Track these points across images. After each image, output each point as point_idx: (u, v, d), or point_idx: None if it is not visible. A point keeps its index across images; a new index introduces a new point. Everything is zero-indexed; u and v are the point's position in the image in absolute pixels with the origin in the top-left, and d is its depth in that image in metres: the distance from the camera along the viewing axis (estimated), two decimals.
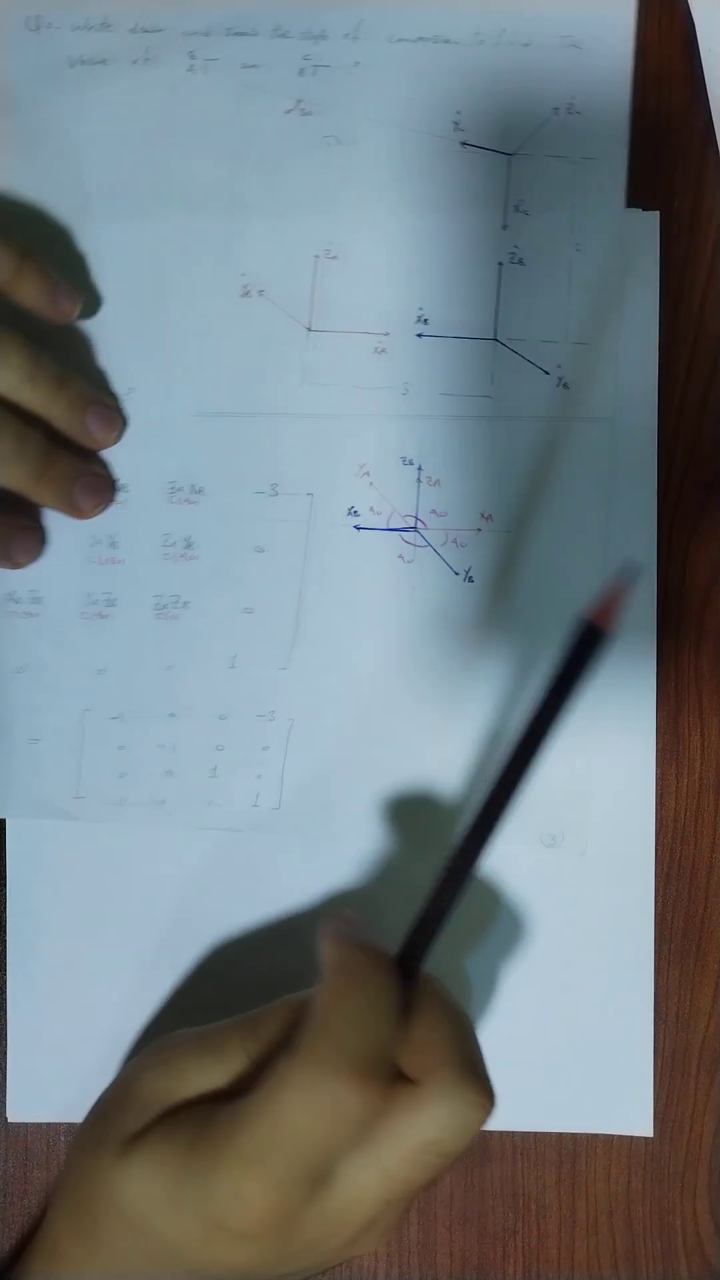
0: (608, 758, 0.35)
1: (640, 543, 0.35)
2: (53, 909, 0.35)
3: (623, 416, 0.35)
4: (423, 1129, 0.26)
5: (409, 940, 0.29)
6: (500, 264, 0.35)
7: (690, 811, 0.35)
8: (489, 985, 0.35)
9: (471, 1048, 0.28)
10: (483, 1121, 0.27)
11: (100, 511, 0.35)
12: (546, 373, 0.35)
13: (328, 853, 0.35)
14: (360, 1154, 0.26)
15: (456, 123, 0.35)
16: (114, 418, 0.34)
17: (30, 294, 0.32)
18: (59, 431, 0.33)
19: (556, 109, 0.35)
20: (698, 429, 0.35)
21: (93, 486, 0.34)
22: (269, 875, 0.35)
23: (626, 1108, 0.35)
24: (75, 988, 0.35)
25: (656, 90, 0.36)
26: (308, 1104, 0.26)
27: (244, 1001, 0.30)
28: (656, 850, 0.35)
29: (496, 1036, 0.35)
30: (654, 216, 0.35)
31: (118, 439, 0.35)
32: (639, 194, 0.36)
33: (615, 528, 0.35)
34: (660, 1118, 0.35)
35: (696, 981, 0.35)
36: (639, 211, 0.35)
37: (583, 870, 0.35)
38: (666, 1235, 0.35)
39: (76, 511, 0.34)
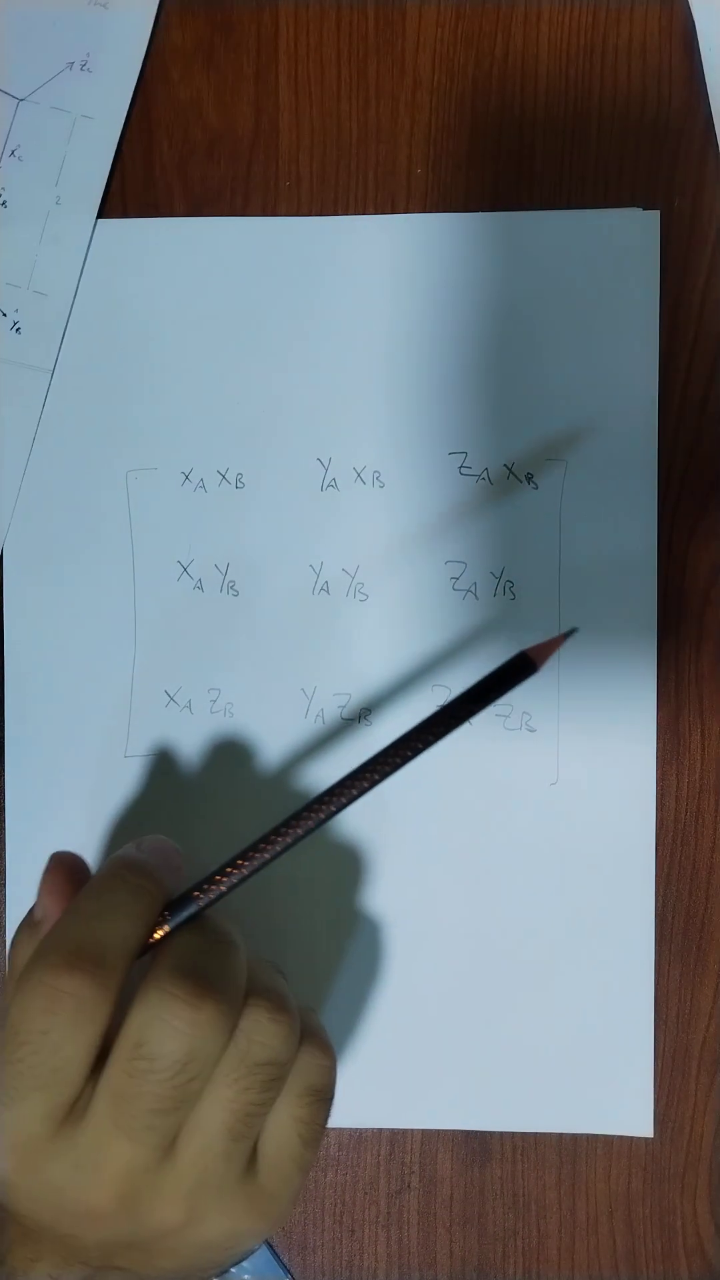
0: (608, 758, 0.35)
1: (640, 542, 0.35)
2: None
3: (621, 417, 0.35)
4: (128, 1031, 0.25)
5: (205, 877, 0.27)
6: None
7: (690, 812, 0.35)
8: (489, 985, 0.35)
9: (195, 954, 0.26)
10: (189, 1018, 0.25)
11: None
12: (4, 314, 0.35)
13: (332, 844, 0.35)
14: (93, 1080, 0.25)
15: None
16: None
17: None
18: None
19: (71, 63, 0.36)
20: (697, 430, 0.35)
21: None
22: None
23: (626, 1108, 0.35)
24: None
25: (656, 90, 0.36)
26: (23, 995, 0.25)
27: None
28: (656, 850, 0.35)
29: (497, 1037, 0.35)
30: (654, 216, 0.35)
31: None
32: (639, 194, 0.36)
33: (616, 528, 0.35)
34: (660, 1118, 0.35)
35: (696, 981, 0.35)
36: (639, 211, 0.35)
37: (583, 869, 0.35)
38: (666, 1235, 0.35)
39: None
